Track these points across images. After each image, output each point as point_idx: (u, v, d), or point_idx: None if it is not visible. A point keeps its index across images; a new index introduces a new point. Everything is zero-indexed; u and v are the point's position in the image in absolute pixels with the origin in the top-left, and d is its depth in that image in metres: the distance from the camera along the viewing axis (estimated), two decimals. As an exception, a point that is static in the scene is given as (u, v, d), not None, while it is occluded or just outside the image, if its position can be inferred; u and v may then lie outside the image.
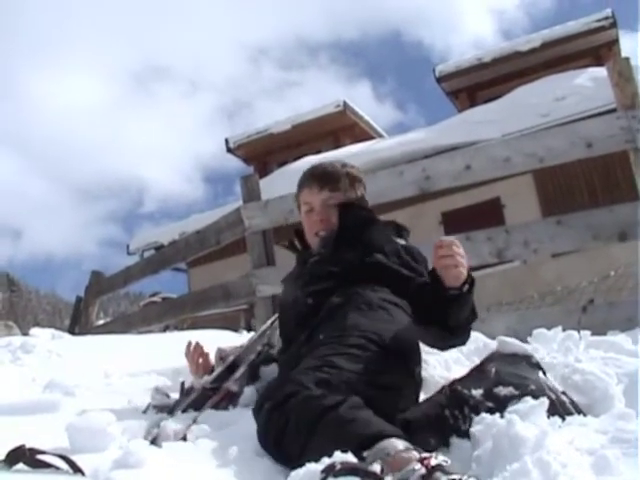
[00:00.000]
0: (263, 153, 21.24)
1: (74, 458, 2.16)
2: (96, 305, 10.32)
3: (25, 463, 2.14)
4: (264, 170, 19.85)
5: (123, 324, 9.24)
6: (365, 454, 1.85)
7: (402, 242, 3.26)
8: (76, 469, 2.14)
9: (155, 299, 19.54)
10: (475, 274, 2.73)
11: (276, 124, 20.72)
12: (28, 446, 2.18)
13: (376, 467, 1.71)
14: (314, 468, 1.75)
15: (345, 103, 20.18)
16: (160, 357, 4.83)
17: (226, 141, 21.46)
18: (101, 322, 11.25)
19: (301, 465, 1.82)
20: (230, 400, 2.91)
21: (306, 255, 3.36)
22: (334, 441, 1.94)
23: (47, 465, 2.14)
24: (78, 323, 10.20)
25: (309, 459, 1.89)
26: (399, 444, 1.89)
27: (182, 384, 3.10)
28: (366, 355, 2.47)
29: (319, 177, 3.35)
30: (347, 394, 2.17)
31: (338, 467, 1.66)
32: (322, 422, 2.04)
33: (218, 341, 5.34)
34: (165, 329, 12.16)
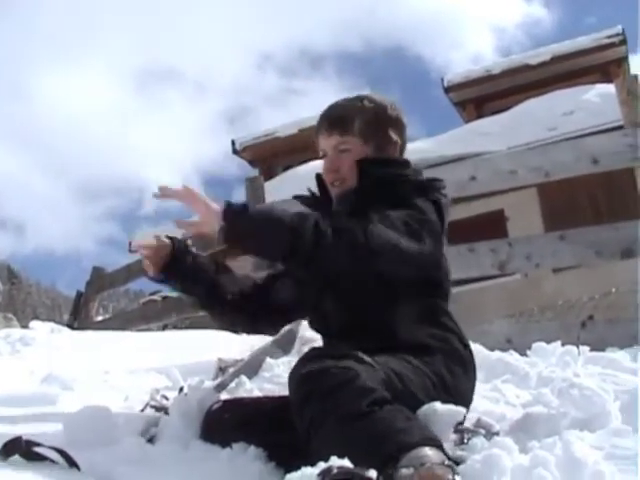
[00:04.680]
0: (269, 156, 21.18)
1: (70, 452, 2.17)
2: (96, 301, 10.33)
3: (21, 455, 2.15)
4: (269, 173, 19.81)
5: (122, 321, 9.23)
6: (402, 457, 1.83)
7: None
8: (71, 463, 2.15)
9: (155, 297, 19.52)
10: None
11: (283, 127, 20.67)
12: (25, 438, 2.19)
13: (372, 473, 1.70)
14: (310, 472, 1.74)
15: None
16: (159, 355, 4.83)
17: (232, 142, 21.41)
18: (100, 318, 11.23)
19: (297, 467, 1.81)
20: None
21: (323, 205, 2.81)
22: (374, 437, 1.91)
23: (43, 458, 2.16)
24: (77, 318, 10.20)
25: (334, 447, 1.88)
26: (436, 456, 1.85)
27: (181, 388, 3.09)
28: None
29: (327, 118, 2.81)
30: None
31: (335, 471, 1.66)
32: (368, 415, 1.97)
33: (217, 341, 5.36)
34: (164, 328, 12.16)
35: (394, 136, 2.80)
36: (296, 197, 3.03)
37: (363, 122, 2.75)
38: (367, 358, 2.21)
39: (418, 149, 15.43)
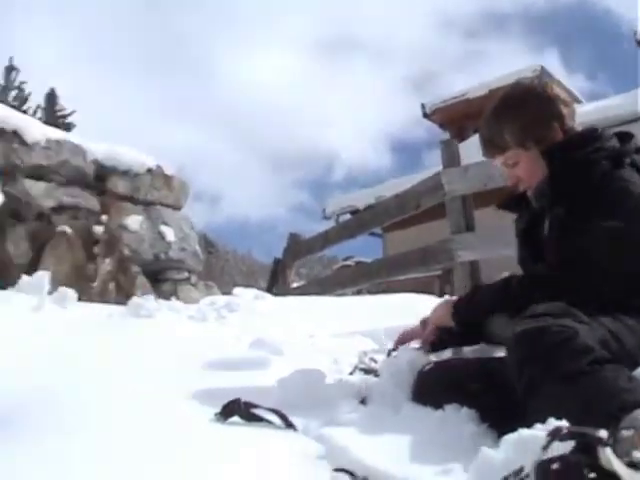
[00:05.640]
0: (459, 118, 20.99)
1: (285, 413, 2.23)
2: (293, 267, 10.51)
3: (240, 416, 2.23)
4: (460, 135, 19.58)
5: (317, 287, 9.36)
6: (623, 417, 1.77)
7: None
8: (288, 424, 2.22)
9: (348, 263, 19.75)
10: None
11: (473, 89, 20.45)
12: (243, 400, 2.26)
13: (603, 433, 1.65)
14: (527, 433, 1.70)
15: (543, 68, 19.61)
16: (361, 319, 4.88)
17: (422, 106, 21.40)
18: (295, 285, 11.44)
19: (513, 429, 1.77)
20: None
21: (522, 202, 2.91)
22: (597, 395, 1.90)
23: (260, 419, 2.22)
24: (276, 284, 10.41)
25: (553, 406, 1.88)
26: None
27: (389, 351, 3.09)
28: None
29: (483, 144, 2.93)
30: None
31: (565, 431, 1.62)
32: (590, 374, 1.96)
33: (418, 304, 5.37)
34: (358, 292, 12.26)
35: (545, 121, 2.73)
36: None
37: (511, 133, 2.76)
38: (585, 317, 2.17)
39: (608, 106, 14.96)
